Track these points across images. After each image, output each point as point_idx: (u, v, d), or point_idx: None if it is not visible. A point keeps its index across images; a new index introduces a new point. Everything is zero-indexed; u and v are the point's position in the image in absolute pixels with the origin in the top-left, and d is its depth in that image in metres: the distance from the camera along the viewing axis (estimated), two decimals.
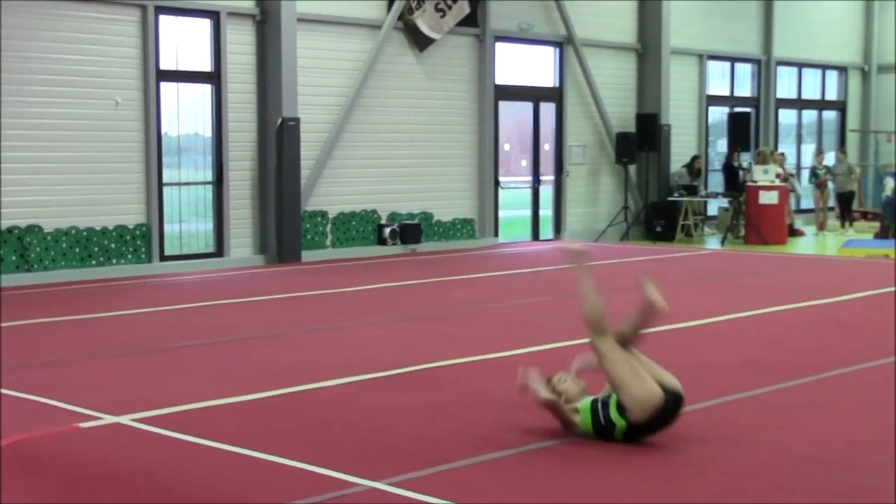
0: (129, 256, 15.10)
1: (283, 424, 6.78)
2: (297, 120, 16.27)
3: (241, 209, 16.29)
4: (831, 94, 27.44)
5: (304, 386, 7.82)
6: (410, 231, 18.02)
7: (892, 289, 13.09)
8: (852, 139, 27.34)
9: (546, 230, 20.78)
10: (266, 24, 16.24)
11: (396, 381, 8.04)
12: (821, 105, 27.29)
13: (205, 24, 15.89)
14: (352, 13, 17.33)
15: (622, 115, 21.53)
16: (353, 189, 17.54)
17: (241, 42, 16.15)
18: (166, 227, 15.64)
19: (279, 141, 16.18)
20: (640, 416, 6.04)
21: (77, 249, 14.59)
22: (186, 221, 16.03)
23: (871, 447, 6.21)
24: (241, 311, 11.85)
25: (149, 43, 15.14)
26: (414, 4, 17.96)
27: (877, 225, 21.30)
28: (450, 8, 18.39)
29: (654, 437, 6.18)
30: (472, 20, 18.79)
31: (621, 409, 6.09)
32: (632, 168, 21.55)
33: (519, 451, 6.12)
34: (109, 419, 6.83)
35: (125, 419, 6.83)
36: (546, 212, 20.83)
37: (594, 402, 6.24)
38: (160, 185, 15.46)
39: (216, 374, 8.29)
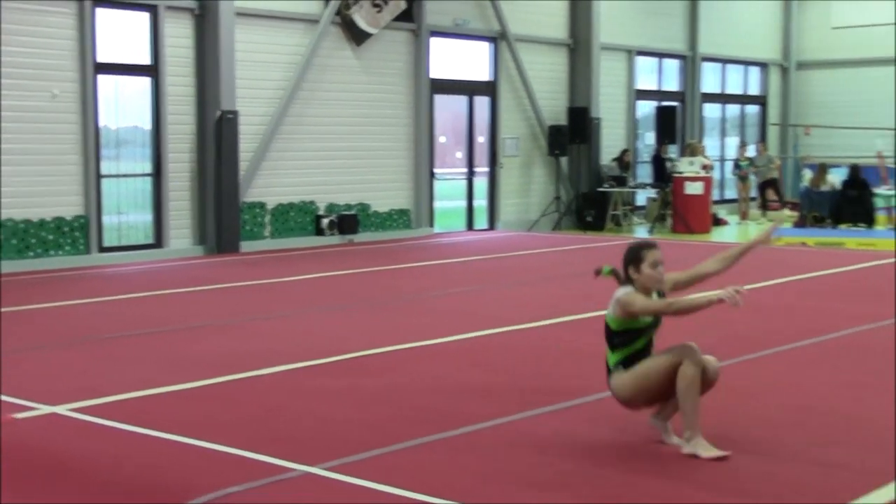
0: (68, 248, 14.84)
1: (220, 412, 6.70)
2: (235, 113, 16.10)
3: (180, 201, 16.08)
4: (753, 90, 27.74)
5: (240, 374, 7.73)
6: (348, 222, 17.92)
7: (809, 275, 13.26)
8: (773, 132, 27.68)
9: (480, 220, 20.78)
10: (204, 18, 16.04)
11: (332, 369, 7.98)
12: (743, 100, 27.57)
13: (143, 18, 15.64)
14: (290, 8, 17.18)
15: (554, 108, 21.58)
16: (292, 181, 17.40)
17: (179, 35, 15.94)
18: (105, 219, 15.40)
19: (218, 133, 16.01)
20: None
21: (14, 241, 14.31)
22: (126, 213, 15.80)
23: (785, 427, 6.28)
24: (180, 301, 11.70)
25: (86, 35, 14.87)
26: (351, 0, 17.85)
27: (796, 214, 21.55)
28: (386, 3, 18.30)
29: (589, 422, 6.16)
30: (408, 16, 18.71)
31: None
32: (563, 160, 21.62)
33: (452, 434, 6.10)
34: (46, 409, 6.70)
35: (62, 409, 6.70)
36: (480, 202, 20.84)
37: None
38: (98, 176, 15.21)
39: (154, 364, 8.17)
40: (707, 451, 5.66)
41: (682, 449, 5.74)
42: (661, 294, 5.96)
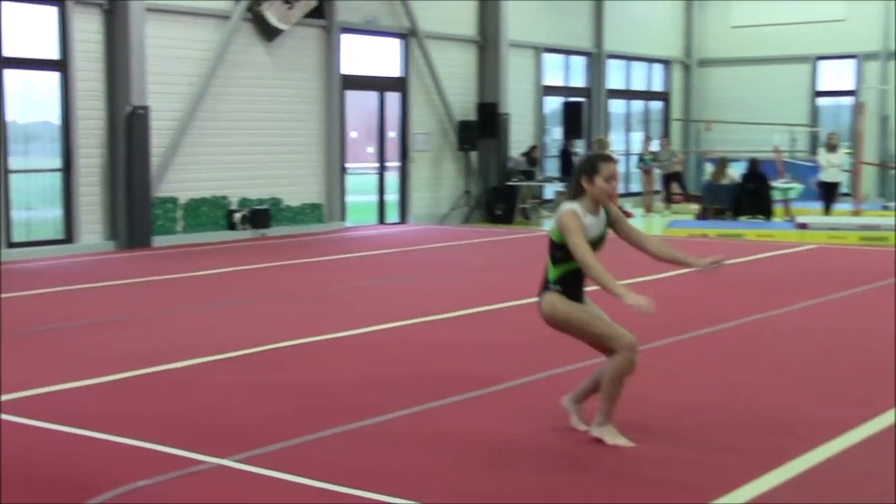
0: None
1: (129, 407, 6.61)
2: (146, 108, 15.87)
3: (90, 196, 15.81)
4: (657, 86, 28.09)
5: (150, 368, 7.64)
6: (260, 216, 17.79)
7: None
8: (676, 128, 28.07)
9: (392, 214, 20.77)
10: (114, 13, 15.76)
11: (242, 362, 7.92)
12: (647, 96, 27.91)
13: (51, 12, 15.33)
14: (200, 4, 16.97)
15: (464, 104, 21.63)
16: (204, 175, 17.20)
17: (88, 31, 15.64)
18: (13, 214, 15.07)
19: (129, 129, 15.76)
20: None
21: None
22: (35, 208, 15.49)
23: (691, 407, 6.35)
24: (90, 296, 11.49)
25: None
26: None
27: (698, 207, 21.87)
28: (297, 0, 18.18)
29: (497, 410, 6.19)
30: (318, 12, 18.61)
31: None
32: (473, 154, 21.68)
33: (361, 424, 6.09)
34: None
35: None
36: (392, 196, 20.81)
37: None
38: (5, 171, 14.88)
39: (63, 359, 8.04)
40: (614, 438, 5.72)
41: (591, 432, 5.80)
42: (607, 211, 5.86)
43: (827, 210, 20.25)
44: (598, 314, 5.78)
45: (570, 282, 5.80)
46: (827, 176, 20.34)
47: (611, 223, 5.89)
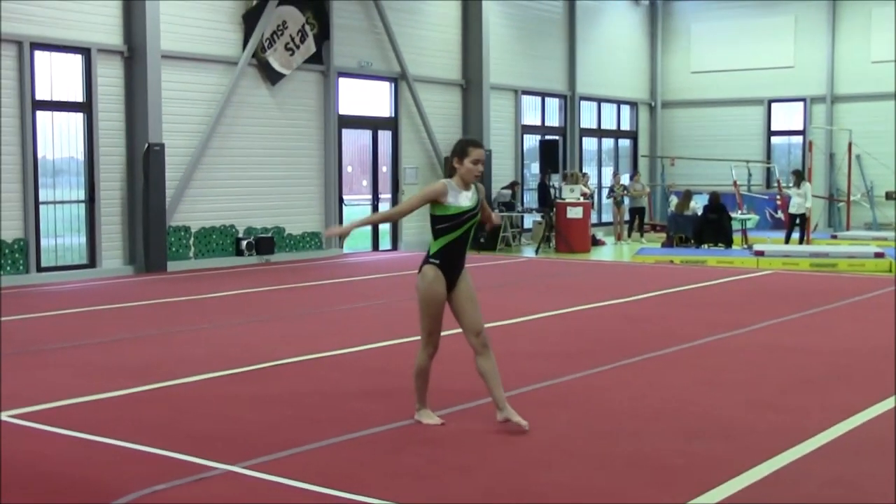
0: (8, 268, 14.49)
1: (144, 416, 6.60)
2: (161, 145, 15.89)
3: (111, 224, 15.81)
4: (625, 125, 28.22)
5: (164, 382, 7.63)
6: (265, 243, 17.80)
7: (676, 289, 13.51)
8: (643, 163, 28.17)
9: (385, 242, 20.79)
10: (133, 59, 15.82)
11: (247, 377, 7.90)
12: (617, 134, 28.03)
13: (77, 60, 15.38)
14: (211, 51, 17.03)
15: (449, 141, 21.55)
16: (214, 206, 17.21)
17: (110, 75, 15.69)
18: (43, 241, 15.07)
19: (146, 163, 15.78)
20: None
21: None
22: (62, 236, 15.47)
23: (654, 418, 6.39)
24: (110, 315, 11.47)
25: (25, 75, 14.58)
26: (266, 43, 17.77)
27: (664, 235, 21.94)
28: (298, 47, 18.26)
29: (484, 421, 6.18)
30: (317, 58, 18.69)
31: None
32: None
33: (361, 434, 6.09)
34: None
35: (3, 416, 6.52)
36: (385, 225, 20.82)
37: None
38: (37, 203, 14.90)
39: (82, 372, 8.02)
40: (429, 418, 6.30)
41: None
42: (477, 189, 6.20)
43: (788, 239, 20.25)
44: (433, 308, 6.17)
45: (448, 255, 6.11)
46: (791, 208, 20.34)
47: (479, 200, 6.21)
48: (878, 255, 17.01)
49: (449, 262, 6.12)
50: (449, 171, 6.22)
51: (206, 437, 6.06)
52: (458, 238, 6.12)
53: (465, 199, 6.12)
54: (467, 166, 6.11)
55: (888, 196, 19.67)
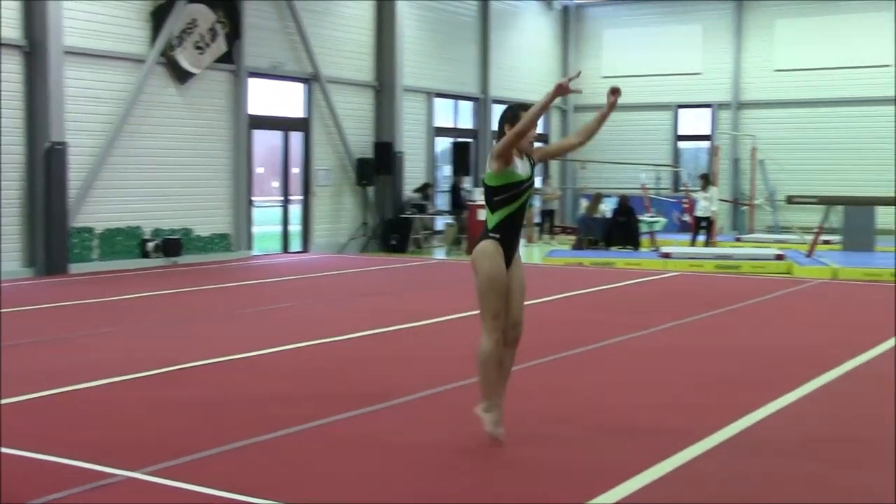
0: None
1: (45, 423, 6.43)
2: (64, 144, 15.52)
3: (10, 225, 15.36)
4: (538, 129, 28.31)
5: (63, 388, 7.42)
6: (172, 245, 17.50)
7: (585, 290, 13.66)
8: (555, 166, 28.42)
9: (295, 244, 20.62)
10: (34, 55, 15.41)
11: (152, 381, 7.75)
12: None
13: None
14: (117, 48, 16.69)
15: (362, 143, 21.63)
16: (120, 207, 16.87)
17: (9, 71, 15.24)
18: None
19: (47, 163, 15.40)
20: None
21: None
22: None
23: (561, 420, 6.43)
24: (7, 319, 11.15)
25: None
26: (175, 41, 17.49)
27: (574, 238, 22.15)
28: (208, 46, 18.01)
29: (391, 422, 6.15)
30: (228, 57, 18.46)
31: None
32: (370, 189, 21.69)
33: (266, 437, 6.01)
34: None
35: None
36: (295, 227, 20.67)
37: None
38: None
39: None
40: (494, 426, 5.79)
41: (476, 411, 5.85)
42: (530, 157, 5.84)
43: (694, 242, 20.57)
44: (499, 285, 5.66)
45: (507, 230, 5.69)
46: (697, 211, 20.69)
47: (535, 162, 5.89)
48: (779, 258, 17.43)
49: (508, 237, 5.70)
50: (499, 137, 5.72)
51: (108, 443, 5.92)
52: (517, 211, 5.69)
53: (523, 168, 5.72)
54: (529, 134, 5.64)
55: (790, 200, 20.12)
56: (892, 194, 20.42)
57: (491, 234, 5.71)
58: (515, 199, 5.69)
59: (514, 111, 5.73)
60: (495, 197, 5.68)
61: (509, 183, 5.66)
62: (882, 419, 6.68)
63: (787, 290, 14.12)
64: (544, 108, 5.55)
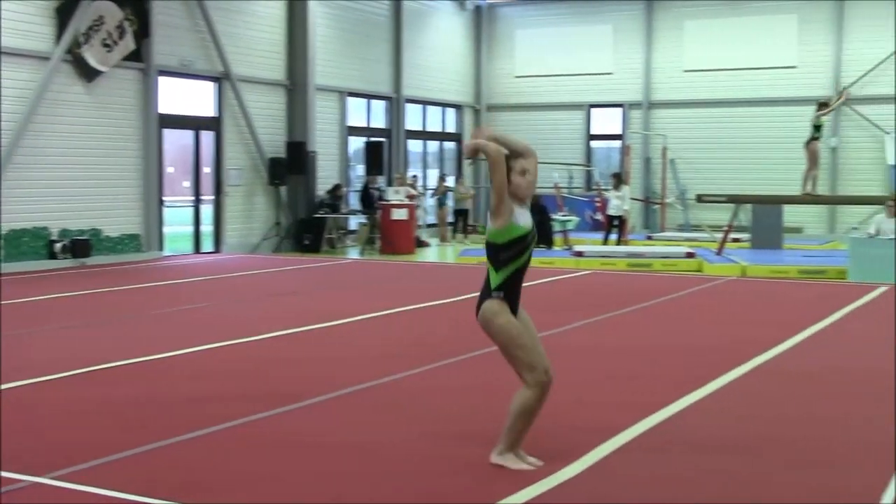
0: None
1: None
2: None
3: None
4: (450, 128, 28.54)
5: None
6: (80, 246, 17.17)
7: None
8: (467, 165, 28.55)
9: (207, 244, 20.39)
10: None
11: (59, 384, 7.61)
12: (442, 137, 28.33)
13: None
14: (20, 45, 16.32)
15: (274, 142, 21.48)
16: (25, 207, 16.49)
17: None
18: None
19: None
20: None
21: None
22: None
23: (472, 419, 6.48)
24: None
25: None
26: (81, 39, 17.16)
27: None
28: (116, 43, 17.71)
29: (313, 421, 6.13)
30: (136, 55, 18.17)
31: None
32: (283, 189, 21.56)
33: (180, 439, 5.95)
34: None
35: None
36: (207, 227, 20.44)
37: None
38: None
39: None
40: (516, 464, 5.44)
41: (492, 459, 5.49)
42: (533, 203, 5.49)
43: (606, 240, 20.82)
44: (522, 341, 5.42)
45: (512, 287, 5.45)
46: (610, 210, 20.95)
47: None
48: (689, 255, 17.79)
49: (513, 292, 5.46)
50: None
51: (12, 448, 5.79)
52: (524, 265, 5.44)
53: (524, 219, 5.40)
54: (517, 181, 5.34)
55: (700, 199, 20.52)
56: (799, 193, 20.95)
57: (494, 294, 5.48)
58: (523, 252, 5.43)
59: (506, 158, 5.40)
60: (501, 255, 5.41)
61: (514, 238, 5.38)
62: (787, 414, 6.88)
63: (697, 287, 14.41)
64: (496, 163, 5.27)
